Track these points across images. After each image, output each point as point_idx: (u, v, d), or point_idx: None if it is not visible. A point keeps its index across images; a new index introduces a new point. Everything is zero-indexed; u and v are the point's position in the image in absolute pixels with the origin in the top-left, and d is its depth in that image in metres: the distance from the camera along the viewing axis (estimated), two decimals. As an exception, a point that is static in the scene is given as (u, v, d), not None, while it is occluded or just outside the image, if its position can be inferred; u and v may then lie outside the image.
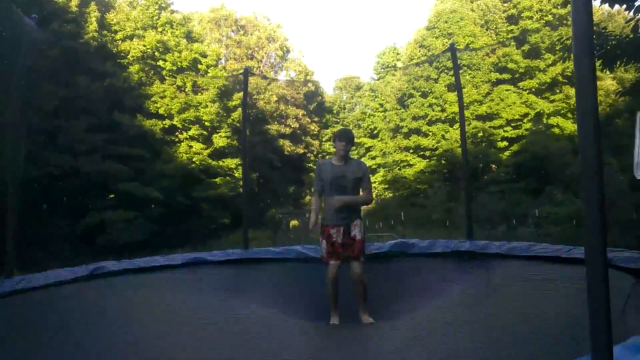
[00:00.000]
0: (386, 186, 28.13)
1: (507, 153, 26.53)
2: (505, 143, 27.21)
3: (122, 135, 22.98)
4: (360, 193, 4.18)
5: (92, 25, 25.08)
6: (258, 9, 32.66)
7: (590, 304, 1.43)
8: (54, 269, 5.39)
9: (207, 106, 26.31)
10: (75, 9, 24.77)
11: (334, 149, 4.18)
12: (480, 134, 26.77)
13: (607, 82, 26.42)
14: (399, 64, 30.82)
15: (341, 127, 31.13)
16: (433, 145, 27.68)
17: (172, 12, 28.89)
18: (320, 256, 4.22)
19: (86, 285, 4.74)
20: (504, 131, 27.37)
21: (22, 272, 5.05)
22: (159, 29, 27.44)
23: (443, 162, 26.67)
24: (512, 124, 27.57)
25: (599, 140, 1.45)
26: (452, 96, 27.92)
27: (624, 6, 5.41)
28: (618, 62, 6.06)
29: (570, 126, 27.02)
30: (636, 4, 5.47)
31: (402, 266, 5.19)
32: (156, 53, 26.58)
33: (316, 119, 30.16)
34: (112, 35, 26.37)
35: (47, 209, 18.61)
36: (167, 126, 25.35)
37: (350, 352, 3.10)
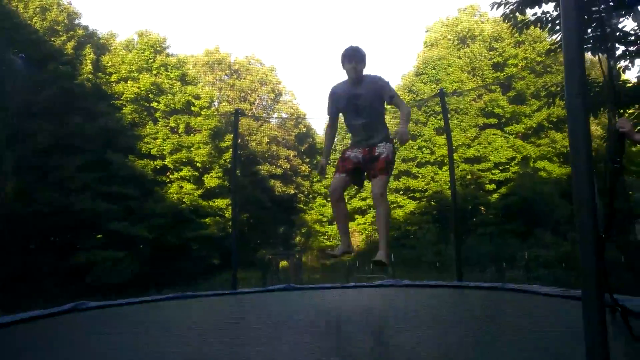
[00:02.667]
0: (376, 227, 28.12)
1: (495, 195, 26.89)
2: (493, 186, 27.63)
3: (113, 175, 22.99)
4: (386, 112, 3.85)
5: (87, 67, 25.52)
6: (252, 53, 33.59)
7: (587, 345, 1.42)
8: (39, 307, 5.47)
9: (199, 147, 26.52)
10: (72, 51, 25.27)
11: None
12: (469, 177, 27.20)
13: (592, 128, 27.17)
14: (389, 108, 31.46)
15: (331, 167, 31.40)
16: (423, 187, 28.00)
17: (168, 55, 29.52)
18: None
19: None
20: (492, 174, 27.84)
21: (5, 309, 5.05)
22: (154, 72, 27.95)
23: (433, 203, 26.91)
24: (500, 167, 28.08)
25: (592, 180, 1.47)
26: (441, 139, 28.48)
27: (605, 55, 5.71)
28: (602, 109, 6.32)
29: (556, 170, 27.58)
30: (617, 52, 5.77)
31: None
32: (150, 95, 26.98)
33: (307, 160, 30.45)
34: (107, 77, 26.80)
35: (35, 247, 18.38)
36: (158, 167, 25.43)
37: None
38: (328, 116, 3.96)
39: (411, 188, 28.39)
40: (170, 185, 25.69)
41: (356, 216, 28.45)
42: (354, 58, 3.60)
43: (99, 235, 21.50)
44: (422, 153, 29.09)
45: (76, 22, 27.08)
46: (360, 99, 3.60)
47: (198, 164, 26.25)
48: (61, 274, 18.72)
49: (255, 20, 67.45)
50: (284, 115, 31.60)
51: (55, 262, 18.82)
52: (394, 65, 59.70)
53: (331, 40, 70.13)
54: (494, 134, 29.16)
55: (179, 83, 28.16)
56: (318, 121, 67.09)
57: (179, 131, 27.19)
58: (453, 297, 6.16)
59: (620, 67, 5.78)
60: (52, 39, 25.09)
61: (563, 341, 3.06)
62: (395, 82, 38.09)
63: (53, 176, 21.37)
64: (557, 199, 23.41)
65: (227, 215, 24.71)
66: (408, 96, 31.36)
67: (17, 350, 3.62)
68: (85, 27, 27.35)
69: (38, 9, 25.35)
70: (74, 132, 22.73)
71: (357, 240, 28.42)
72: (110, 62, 27.05)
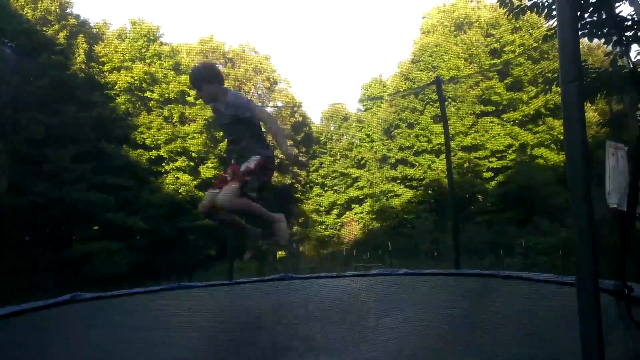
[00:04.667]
0: (374, 216, 28.10)
1: (492, 183, 26.81)
2: (490, 173, 27.53)
3: (108, 165, 22.81)
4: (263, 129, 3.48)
5: (80, 57, 25.24)
6: (246, 41, 33.20)
7: (581, 330, 1.41)
8: (35, 299, 5.39)
9: (194, 137, 26.35)
10: (64, 40, 24.95)
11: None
12: (466, 165, 27.09)
13: (590, 114, 27.06)
14: (385, 96, 31.29)
15: (328, 156, 31.32)
16: (420, 176, 27.90)
17: (161, 44, 29.20)
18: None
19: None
20: (489, 162, 27.74)
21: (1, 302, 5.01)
22: (147, 61, 27.65)
23: (430, 192, 26.84)
24: (497, 155, 27.97)
25: (586, 167, 1.46)
26: (438, 127, 28.34)
27: (603, 40, 5.55)
28: (599, 95, 6.18)
29: (554, 157, 27.48)
30: (614, 38, 5.61)
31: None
32: (144, 84, 26.71)
33: (304, 149, 30.27)
34: (100, 67, 26.51)
35: (30, 239, 18.26)
36: (153, 157, 25.26)
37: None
38: None
39: (408, 177, 28.29)
40: (165, 175, 25.54)
41: (353, 205, 28.42)
42: (192, 84, 3.40)
43: (95, 227, 21.38)
44: (419, 141, 28.94)
45: (68, 11, 26.69)
46: (224, 117, 3.36)
47: (193, 154, 26.09)
48: (57, 266, 18.63)
49: (248, 7, 66.87)
50: (280, 104, 31.36)
51: (51, 254, 18.72)
52: (390, 51, 59.32)
53: (326, 26, 69.67)
54: (491, 122, 29.01)
55: (172, 72, 27.89)
56: (314, 109, 66.83)
57: (173, 121, 26.98)
58: (449, 284, 6.08)
59: (616, 53, 5.62)
60: (44, 28, 24.74)
61: (557, 326, 3.06)
62: (391, 70, 37.83)
63: (47, 167, 21.18)
64: (555, 186, 23.33)
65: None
66: (405, 84, 31.19)
67: (14, 343, 3.57)
68: (77, 16, 26.96)
69: (29, -3, 24.97)
70: (67, 122, 22.50)
71: (355, 229, 28.38)
72: (103, 52, 26.76)
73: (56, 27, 25.22)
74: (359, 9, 70.81)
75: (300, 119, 31.07)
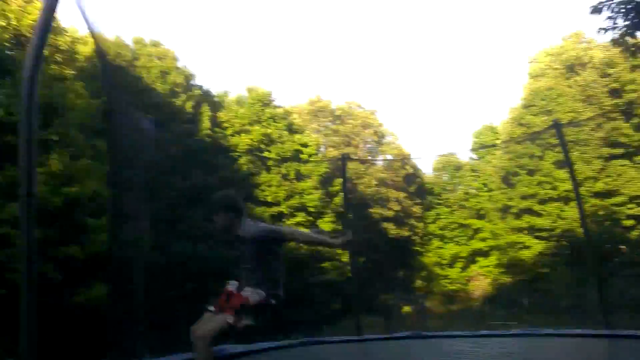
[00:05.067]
0: (503, 270, 26.56)
1: (635, 232, 24.44)
2: (632, 221, 25.18)
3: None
4: None
5: (206, 124, 27.16)
6: (351, 97, 34.35)
7: None
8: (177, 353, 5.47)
9: (310, 193, 26.95)
10: (191, 109, 27.09)
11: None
12: (601, 212, 25.02)
13: None
14: (499, 143, 30.32)
15: (444, 207, 30.45)
16: (549, 225, 26.16)
17: (275, 107, 30.78)
18: None
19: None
20: (628, 208, 25.46)
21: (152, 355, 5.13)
22: (264, 123, 29.16)
23: (563, 243, 24.96)
24: (636, 201, 25.62)
25: None
26: (562, 173, 26.71)
27: None
28: None
29: None
30: None
31: None
32: (262, 145, 28.07)
33: (418, 201, 29.82)
34: (223, 131, 28.30)
35: (173, 294, 19.13)
36: (275, 213, 26.05)
37: None
38: None
39: (536, 227, 26.62)
40: (287, 231, 26.10)
41: (477, 258, 27.08)
42: (210, 209, 3.55)
43: (227, 280, 22.03)
44: (543, 189, 27.36)
45: (192, 82, 29.12)
46: (239, 246, 3.61)
47: (311, 209, 26.58)
48: (195, 319, 19.21)
49: (353, 65, 69.52)
50: (389, 157, 31.44)
51: (191, 308, 19.39)
52: (498, 97, 58.06)
53: (429, 76, 70.20)
54: (622, 165, 26.88)
55: (286, 132, 29.14)
56: (423, 161, 66.42)
57: (290, 178, 27.87)
58: (602, 348, 5.41)
59: None
60: (173, 99, 27.06)
61: None
62: (502, 116, 36.81)
63: (181, 227, 22.45)
64: None
65: (343, 259, 24.52)
66: (518, 129, 30.12)
67: None
68: (201, 87, 29.29)
69: (159, 73, 27.51)
70: (196, 184, 23.96)
71: (483, 283, 26.91)
72: (225, 117, 28.64)
73: (184, 98, 27.47)
74: (460, 57, 70.98)
75: (411, 170, 30.84)
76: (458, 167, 33.26)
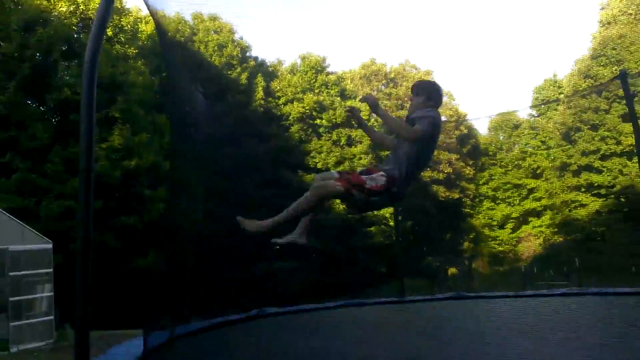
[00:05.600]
0: (555, 230, 25.68)
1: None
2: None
3: (286, 191, 24.95)
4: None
5: (259, 94, 28.27)
6: (406, 59, 33.62)
7: None
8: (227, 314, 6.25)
9: (360, 158, 27.41)
10: (245, 81, 28.27)
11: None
12: (667, 168, 23.22)
13: None
14: (562, 97, 28.66)
15: (498, 168, 29.45)
16: (609, 182, 24.71)
17: (327, 74, 31.16)
18: None
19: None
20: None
21: (199, 315, 5.98)
22: (316, 91, 29.73)
23: (622, 200, 23.56)
24: None
25: None
26: (628, 127, 24.90)
27: None
28: None
29: None
30: None
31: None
32: (314, 112, 28.76)
33: (471, 162, 29.21)
34: (276, 101, 29.30)
35: (224, 259, 20.73)
36: (325, 179, 26.90)
37: None
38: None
39: (595, 184, 25.26)
40: (337, 197, 26.92)
41: (530, 218, 26.30)
42: (415, 90, 3.41)
43: (277, 246, 23.41)
44: (606, 144, 25.75)
45: (247, 54, 30.20)
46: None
47: (362, 175, 27.09)
48: (244, 283, 20.84)
49: (406, 25, 67.25)
50: (443, 119, 30.85)
51: (240, 273, 21.02)
52: (563, 49, 53.97)
53: (487, 30, 66.48)
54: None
55: (339, 99, 29.54)
56: (480, 121, 63.97)
57: (341, 144, 28.43)
58: None
59: None
60: (229, 72, 28.34)
61: None
62: (567, 69, 34.59)
63: (234, 196, 24.00)
64: None
65: (390, 223, 24.99)
66: (584, 82, 28.26)
67: (209, 353, 4.19)
68: (256, 58, 30.32)
69: (216, 46, 28.78)
70: (250, 154, 25.30)
71: (534, 244, 26.26)
72: (278, 87, 29.58)
73: (239, 69, 28.66)
74: (521, 7, 66.18)
75: (465, 131, 30.14)
76: (516, 126, 31.90)
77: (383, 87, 33.06)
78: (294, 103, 28.98)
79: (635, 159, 23.41)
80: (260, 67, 30.25)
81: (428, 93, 3.29)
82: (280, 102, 29.30)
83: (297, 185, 25.35)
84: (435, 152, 29.04)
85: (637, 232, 19.87)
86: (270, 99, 29.13)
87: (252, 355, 4.03)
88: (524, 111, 36.62)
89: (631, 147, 24.10)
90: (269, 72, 30.67)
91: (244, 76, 28.28)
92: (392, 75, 33.18)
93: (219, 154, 24.04)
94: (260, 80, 28.77)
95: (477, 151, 29.92)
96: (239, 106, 26.30)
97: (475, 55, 67.99)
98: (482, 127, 48.60)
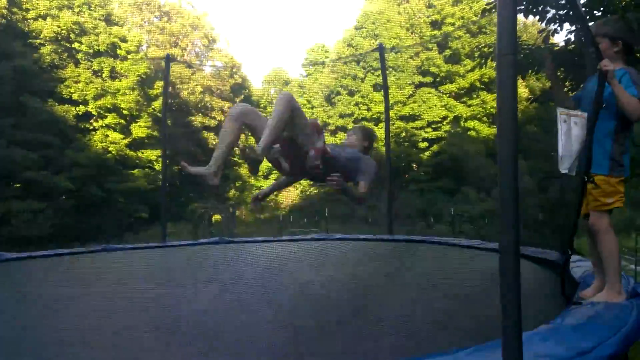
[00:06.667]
0: (311, 182, 28.24)
1: (427, 153, 27.61)
2: (426, 144, 28.30)
3: (30, 120, 21.26)
4: None
5: (1, 2, 23.03)
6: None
7: (502, 291, 1.48)
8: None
9: (125, 94, 25.06)
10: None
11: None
12: (403, 134, 27.66)
13: (520, 90, 28.28)
14: (327, 61, 31.08)
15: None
16: (359, 144, 28.17)
17: (91, -8, 27.16)
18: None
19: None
20: (425, 132, 28.47)
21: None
22: (76, 10, 25.72)
23: (367, 160, 27.22)
24: (433, 126, 28.73)
25: (516, 140, 1.48)
26: (378, 96, 28.61)
27: (537, 17, 5.71)
28: (530, 71, 6.38)
29: (485, 130, 28.63)
30: (548, 15, 5.78)
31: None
32: (71, 35, 24.88)
33: (242, 112, 29.65)
34: (24, 13, 24.32)
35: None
36: (81, 113, 23.83)
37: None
38: None
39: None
40: (94, 133, 24.24)
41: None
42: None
43: (17, 185, 20.04)
44: (359, 109, 29.14)
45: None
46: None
47: (125, 112, 24.84)
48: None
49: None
50: (219, 64, 30.35)
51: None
52: (337, 18, 58.61)
53: (270, -12, 67.59)
54: (428, 93, 29.62)
55: (103, 23, 26.17)
56: (254, 72, 65.51)
57: (103, 75, 25.47)
58: (382, 249, 6.42)
59: (549, 30, 5.83)
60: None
61: (479, 287, 3.22)
62: (336, 36, 37.36)
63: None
64: (484, 158, 24.43)
65: (157, 167, 23.78)
66: (347, 50, 31.07)
67: None
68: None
69: None
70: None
71: (293, 195, 28.47)
72: (26, -3, 24.52)
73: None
74: (304, -30, 69.04)
75: (240, 80, 30.29)
76: (287, 83, 33.61)
77: (155, 19, 30.56)
78: (47, 20, 24.53)
79: (381, 125, 27.14)
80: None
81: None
82: (29, 16, 24.44)
83: (46, 116, 21.85)
84: (208, 99, 28.30)
85: (377, 188, 23.23)
86: (15, 9, 24.00)
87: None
88: (295, 71, 38.59)
89: (379, 114, 27.85)
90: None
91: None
92: (166, 9, 30.88)
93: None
94: (1, -16, 23.39)
95: (249, 102, 30.42)
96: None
97: (255, 9, 68.40)
98: (255, 80, 49.69)
